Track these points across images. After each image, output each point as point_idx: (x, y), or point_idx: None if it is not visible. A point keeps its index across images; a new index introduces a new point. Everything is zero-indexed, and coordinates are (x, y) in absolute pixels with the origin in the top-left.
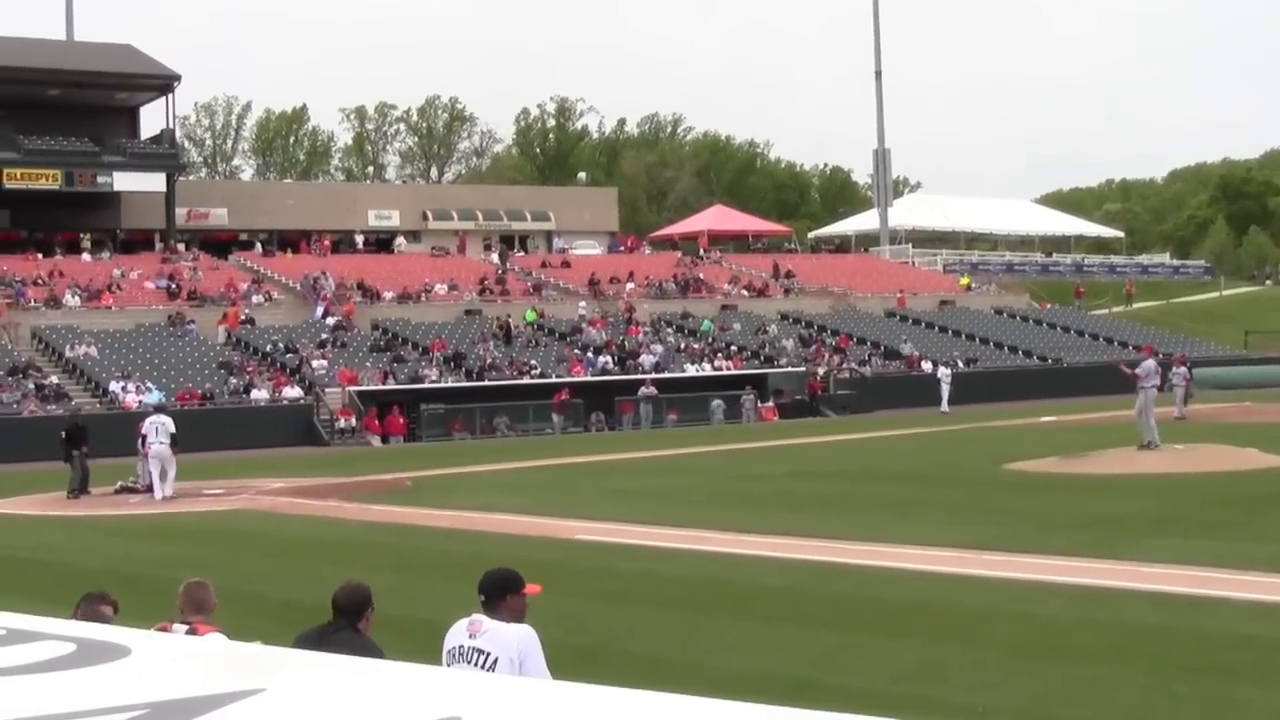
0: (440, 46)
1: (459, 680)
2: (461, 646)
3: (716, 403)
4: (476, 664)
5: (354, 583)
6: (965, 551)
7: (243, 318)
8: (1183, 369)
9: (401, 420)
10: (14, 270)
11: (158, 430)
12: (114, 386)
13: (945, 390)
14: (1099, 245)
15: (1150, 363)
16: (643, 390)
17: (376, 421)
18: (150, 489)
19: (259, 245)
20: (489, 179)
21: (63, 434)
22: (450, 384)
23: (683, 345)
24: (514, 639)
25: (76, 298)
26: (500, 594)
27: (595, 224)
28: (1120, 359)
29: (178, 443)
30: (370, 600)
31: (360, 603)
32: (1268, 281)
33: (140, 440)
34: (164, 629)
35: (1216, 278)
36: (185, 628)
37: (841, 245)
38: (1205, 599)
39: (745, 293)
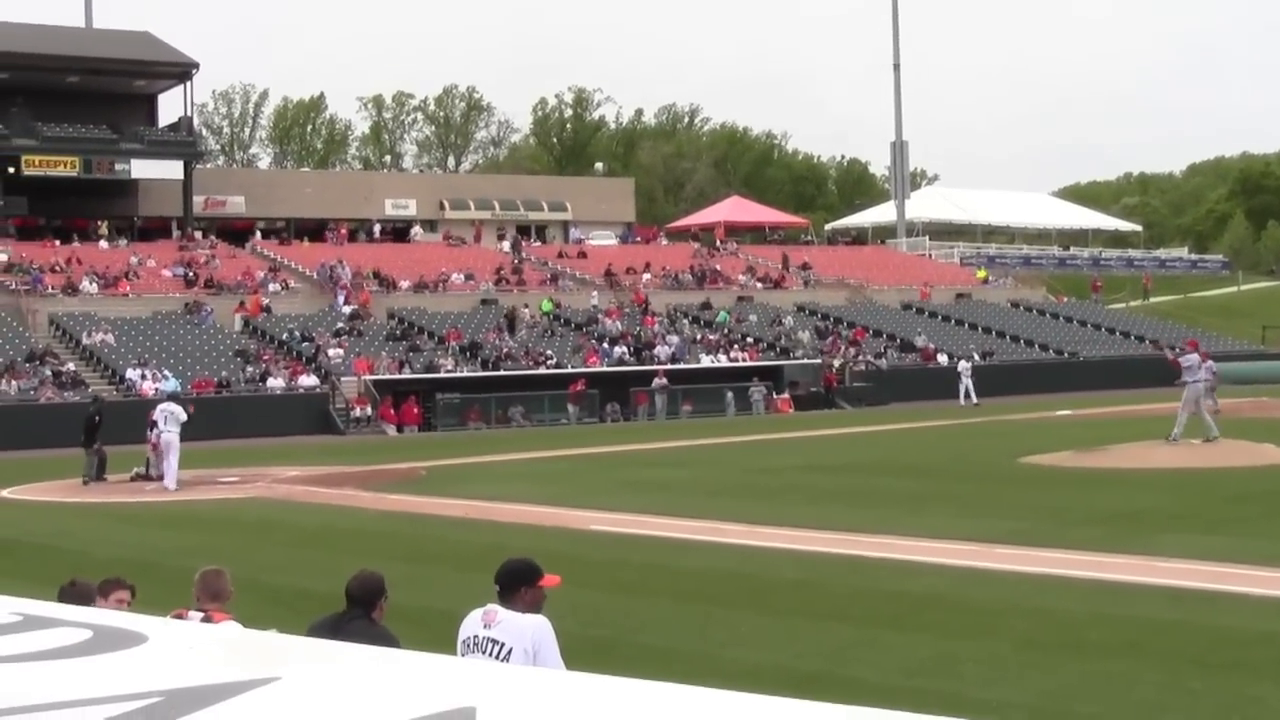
0: (458, 36)
1: (473, 671)
2: (476, 636)
3: (729, 395)
4: (491, 654)
5: (367, 572)
6: (980, 545)
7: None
8: (1209, 363)
9: (416, 410)
10: (32, 257)
11: (167, 419)
12: (131, 374)
13: (966, 384)
14: (1116, 239)
15: (1194, 357)
16: (656, 381)
17: (392, 410)
18: (163, 477)
19: (258, 233)
20: (506, 169)
21: (96, 418)
22: (466, 374)
23: (699, 336)
24: (529, 629)
25: (94, 285)
26: (515, 585)
27: (612, 214)
28: (1171, 345)
29: (191, 417)
30: (384, 589)
31: (373, 592)
32: None
33: (150, 427)
34: (180, 616)
35: (1234, 272)
36: (201, 615)
37: (858, 237)
38: (1222, 594)
39: (760, 284)
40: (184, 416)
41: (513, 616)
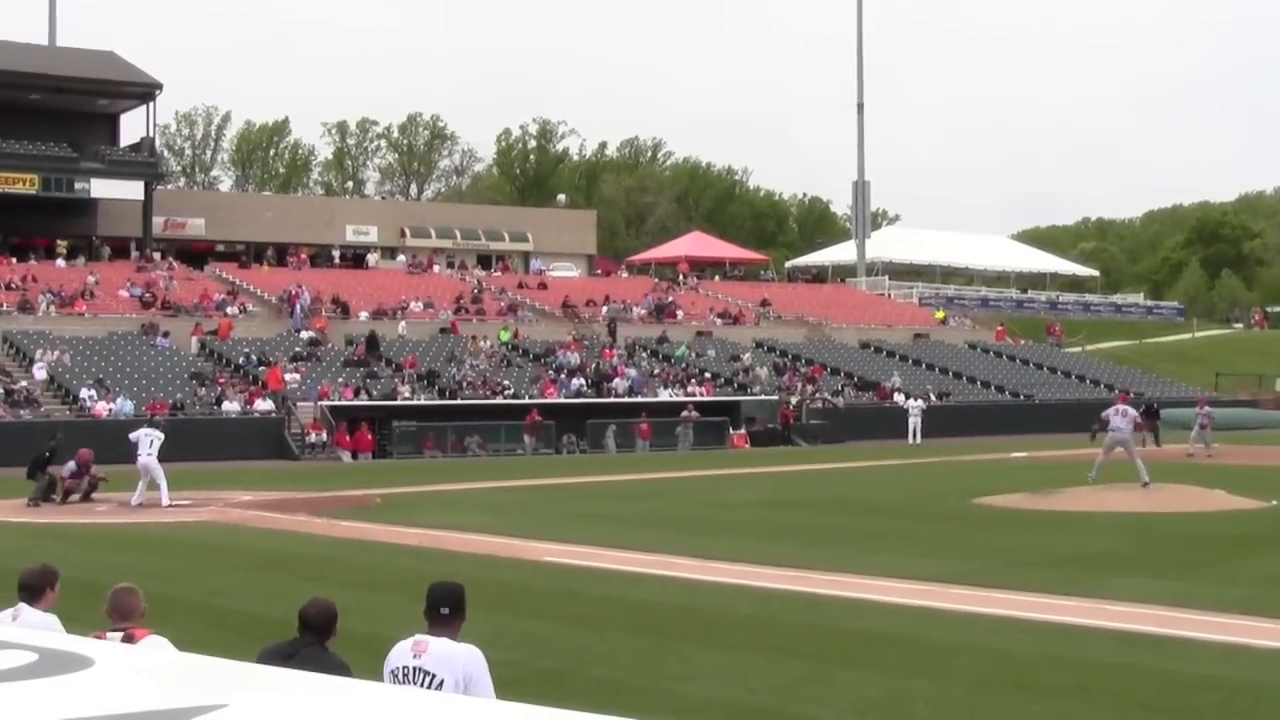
0: (424, 65)
1: (424, 701)
2: (405, 667)
3: (682, 429)
4: (421, 685)
5: (323, 600)
6: (933, 585)
7: (214, 329)
8: (1206, 408)
9: (369, 436)
10: None
11: (153, 442)
12: (84, 394)
13: (914, 423)
14: (1074, 283)
15: (1118, 408)
16: (611, 429)
17: (347, 437)
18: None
19: (163, 259)
20: (468, 198)
21: (48, 454)
22: (422, 402)
23: (656, 370)
24: (460, 660)
25: (50, 304)
26: (462, 611)
27: (573, 246)
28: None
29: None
30: (338, 617)
31: (330, 619)
32: (1238, 325)
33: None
34: (99, 638)
35: (1189, 319)
36: (120, 635)
37: (818, 275)
38: (1171, 639)
39: (720, 320)
40: (162, 438)
41: (443, 646)
